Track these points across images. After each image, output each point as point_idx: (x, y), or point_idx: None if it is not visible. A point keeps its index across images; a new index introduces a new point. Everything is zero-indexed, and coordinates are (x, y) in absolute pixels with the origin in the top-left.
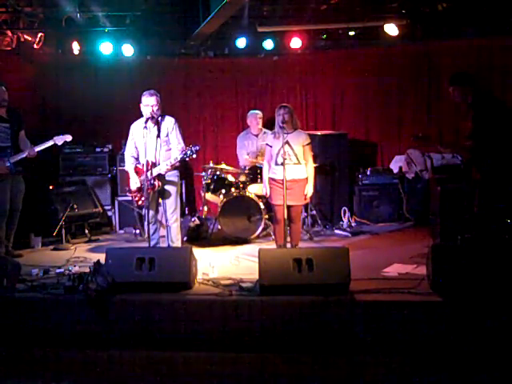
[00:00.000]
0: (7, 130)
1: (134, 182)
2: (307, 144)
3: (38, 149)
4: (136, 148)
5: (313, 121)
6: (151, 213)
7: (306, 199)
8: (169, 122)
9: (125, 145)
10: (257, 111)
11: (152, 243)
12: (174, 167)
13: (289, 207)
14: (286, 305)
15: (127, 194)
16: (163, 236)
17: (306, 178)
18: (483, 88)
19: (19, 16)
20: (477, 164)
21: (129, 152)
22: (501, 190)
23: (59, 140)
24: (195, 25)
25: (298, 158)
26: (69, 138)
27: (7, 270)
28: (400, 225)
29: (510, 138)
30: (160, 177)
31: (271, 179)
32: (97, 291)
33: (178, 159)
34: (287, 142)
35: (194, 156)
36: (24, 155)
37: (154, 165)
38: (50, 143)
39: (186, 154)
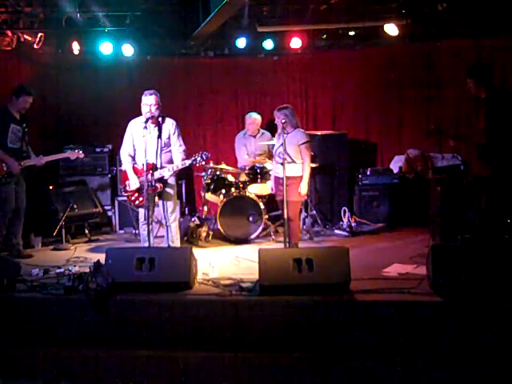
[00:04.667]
0: (19, 133)
1: (134, 183)
2: (302, 143)
3: (47, 159)
4: (133, 146)
5: (313, 121)
6: (150, 213)
7: (300, 196)
8: (170, 124)
9: None
10: (255, 116)
11: (146, 245)
12: (175, 173)
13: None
14: (286, 305)
15: (123, 193)
16: (162, 236)
17: (301, 176)
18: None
19: (19, 16)
20: (487, 160)
21: (126, 150)
22: (510, 187)
23: (73, 155)
24: (195, 25)
25: (291, 158)
26: (82, 155)
27: (7, 270)
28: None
29: None
30: (161, 180)
31: (274, 176)
32: (97, 291)
33: (187, 164)
34: (284, 142)
35: (203, 163)
36: (32, 163)
37: (154, 166)
38: (62, 156)
39: (195, 160)
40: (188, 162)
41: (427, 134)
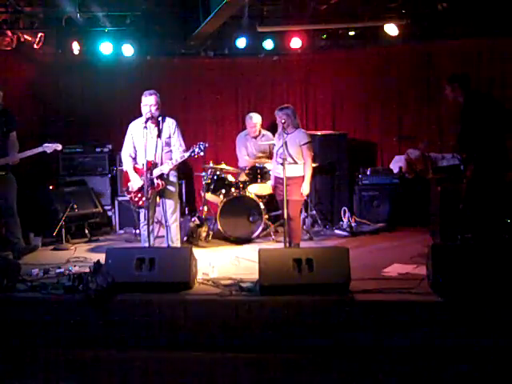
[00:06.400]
0: None
1: (136, 182)
2: (304, 144)
3: (21, 156)
4: (134, 147)
5: (313, 121)
6: (151, 213)
7: (302, 196)
8: (170, 124)
9: None
10: (255, 119)
11: (147, 245)
12: (175, 167)
13: (286, 202)
14: (286, 305)
15: (125, 194)
16: (163, 236)
17: (303, 176)
18: (482, 90)
19: (19, 16)
20: (467, 163)
21: (126, 151)
22: (487, 189)
23: (49, 148)
24: (195, 25)
25: (293, 158)
26: (59, 147)
27: (7, 270)
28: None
29: (500, 140)
30: (161, 177)
31: (274, 176)
32: (97, 291)
33: (186, 157)
34: (285, 143)
35: (202, 154)
36: (5, 162)
37: (155, 165)
38: (38, 150)
39: (193, 151)
40: (187, 155)
41: (397, 140)
